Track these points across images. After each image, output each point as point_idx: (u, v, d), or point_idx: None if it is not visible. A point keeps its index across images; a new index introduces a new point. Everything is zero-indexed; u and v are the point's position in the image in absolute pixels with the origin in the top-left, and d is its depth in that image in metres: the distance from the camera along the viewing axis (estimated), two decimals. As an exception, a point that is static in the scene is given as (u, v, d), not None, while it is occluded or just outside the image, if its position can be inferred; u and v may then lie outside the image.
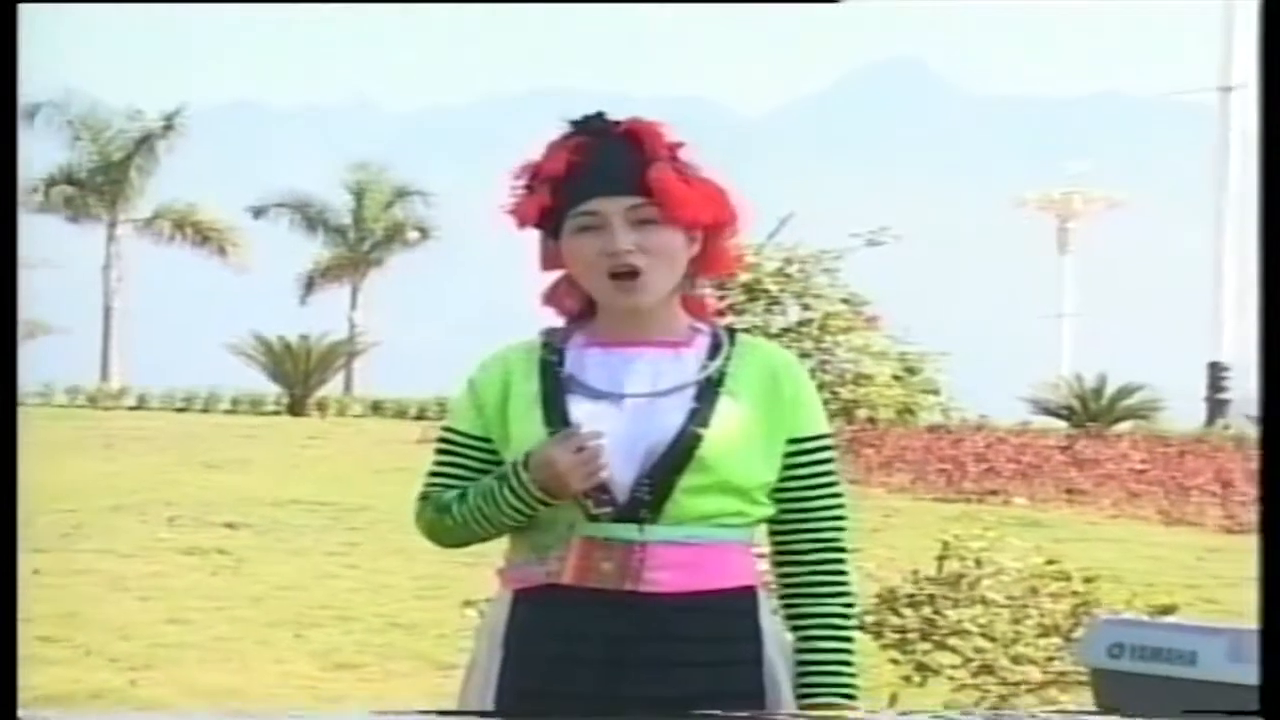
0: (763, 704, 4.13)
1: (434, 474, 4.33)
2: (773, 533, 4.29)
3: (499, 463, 4.22)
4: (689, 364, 4.20)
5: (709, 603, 4.13)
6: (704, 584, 4.13)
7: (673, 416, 4.13)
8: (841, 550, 4.29)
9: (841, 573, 4.28)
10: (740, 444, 4.15)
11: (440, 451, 4.35)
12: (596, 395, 4.17)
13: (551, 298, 4.33)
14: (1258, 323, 4.01)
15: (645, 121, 4.27)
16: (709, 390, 4.17)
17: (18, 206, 3.83)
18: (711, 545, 4.15)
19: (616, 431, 4.11)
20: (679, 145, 4.24)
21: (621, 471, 4.10)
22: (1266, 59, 4.07)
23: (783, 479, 4.22)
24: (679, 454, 4.10)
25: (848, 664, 4.26)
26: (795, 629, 4.26)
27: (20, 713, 3.43)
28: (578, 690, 4.11)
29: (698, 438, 4.10)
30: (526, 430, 4.17)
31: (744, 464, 4.15)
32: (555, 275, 4.33)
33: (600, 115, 4.29)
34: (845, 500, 4.33)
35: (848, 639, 4.28)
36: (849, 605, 4.31)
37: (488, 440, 4.25)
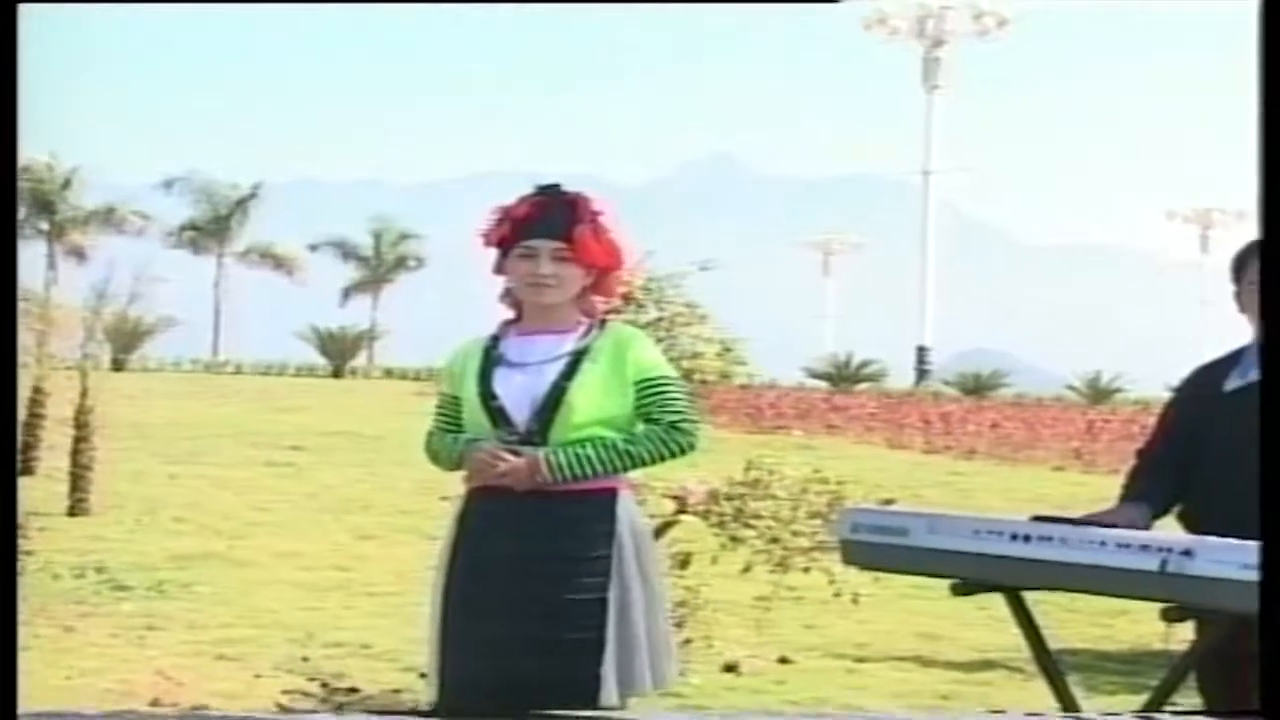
0: (609, 558, 4.15)
1: (435, 418, 4.39)
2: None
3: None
4: (569, 342, 4.23)
5: (581, 497, 4.15)
6: (578, 485, 4.14)
7: (552, 376, 4.17)
8: (687, 422, 4.26)
9: (684, 433, 4.23)
10: (594, 391, 4.16)
11: (436, 404, 4.41)
12: (511, 365, 4.23)
13: (503, 298, 4.36)
14: (1259, 322, 3.82)
15: (583, 195, 4.32)
16: (576, 358, 4.19)
17: (17, 208, 3.67)
18: None
19: (523, 386, 4.20)
20: (599, 212, 4.27)
21: (520, 413, 4.17)
22: (1267, 59, 3.51)
23: (638, 408, 4.22)
24: (552, 400, 4.15)
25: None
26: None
27: (20, 711, 3.28)
28: (500, 549, 4.15)
29: (563, 388, 4.15)
30: (470, 390, 4.25)
31: (599, 404, 4.16)
32: (505, 284, 4.36)
33: (556, 186, 4.36)
34: (686, 411, 4.28)
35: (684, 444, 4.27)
36: (691, 436, 4.26)
37: (457, 397, 4.30)
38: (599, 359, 4.21)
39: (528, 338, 4.28)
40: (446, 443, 4.31)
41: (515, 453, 4.14)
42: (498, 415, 4.19)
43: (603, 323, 4.34)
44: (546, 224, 4.24)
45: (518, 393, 4.19)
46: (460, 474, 4.33)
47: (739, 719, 6.59)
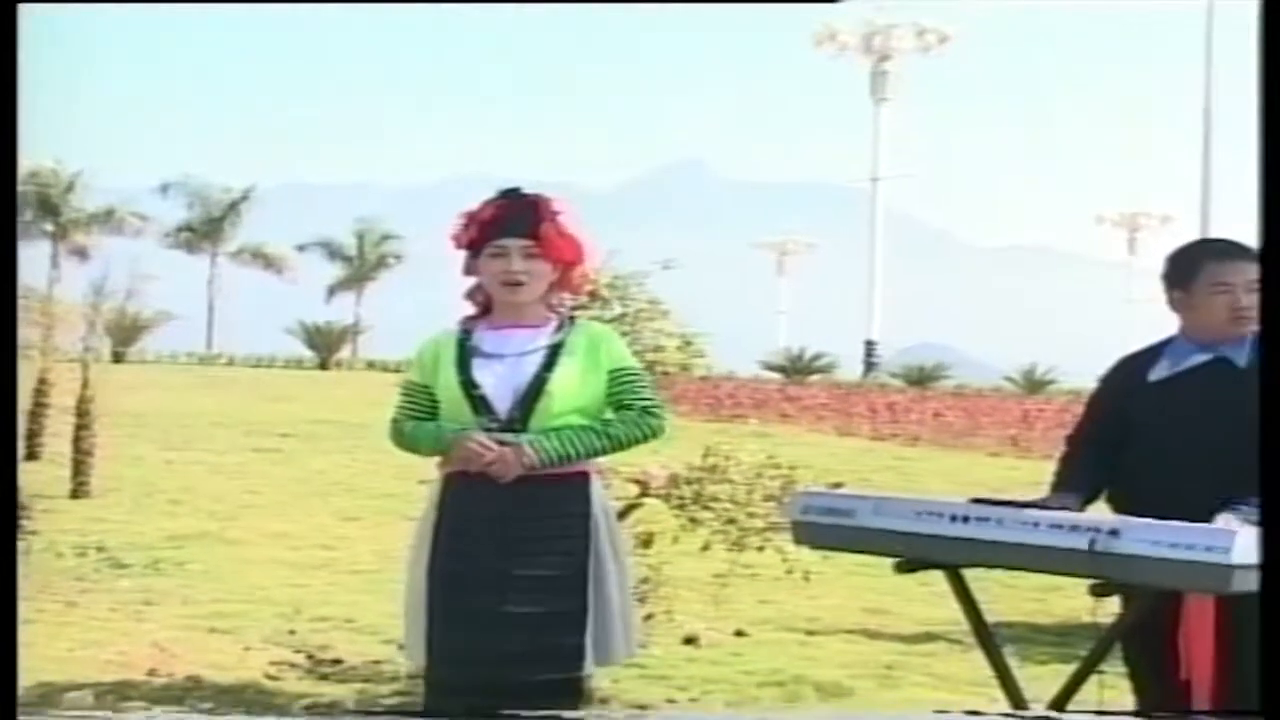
0: (585, 536, 4.17)
1: (399, 406, 4.38)
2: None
3: (435, 400, 4.29)
4: (543, 337, 4.24)
5: (558, 481, 4.17)
6: (555, 470, 4.15)
7: (530, 368, 4.18)
8: (657, 408, 4.30)
9: (655, 418, 4.27)
10: (572, 382, 4.18)
11: (402, 392, 4.40)
12: (488, 357, 4.23)
13: (470, 296, 4.37)
14: (1259, 321, 3.73)
15: (543, 195, 4.34)
16: (553, 352, 4.21)
17: (18, 208, 3.61)
18: None
19: (503, 377, 4.19)
20: (560, 211, 4.29)
21: (503, 402, 4.17)
22: (1267, 59, 3.32)
23: (611, 396, 4.25)
24: (534, 390, 4.15)
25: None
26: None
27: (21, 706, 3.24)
28: (484, 530, 4.14)
29: (544, 379, 4.16)
30: (448, 379, 4.24)
31: (575, 394, 4.19)
32: (471, 283, 4.36)
33: (517, 189, 4.37)
34: (654, 399, 4.33)
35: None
36: (661, 420, 4.30)
37: (427, 386, 4.31)
38: (575, 352, 4.23)
39: (500, 331, 4.28)
40: (428, 430, 4.28)
41: (501, 442, 4.15)
42: (479, 403, 4.19)
43: (572, 319, 4.36)
44: (513, 224, 4.25)
45: (498, 383, 4.19)
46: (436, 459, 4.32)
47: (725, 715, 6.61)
